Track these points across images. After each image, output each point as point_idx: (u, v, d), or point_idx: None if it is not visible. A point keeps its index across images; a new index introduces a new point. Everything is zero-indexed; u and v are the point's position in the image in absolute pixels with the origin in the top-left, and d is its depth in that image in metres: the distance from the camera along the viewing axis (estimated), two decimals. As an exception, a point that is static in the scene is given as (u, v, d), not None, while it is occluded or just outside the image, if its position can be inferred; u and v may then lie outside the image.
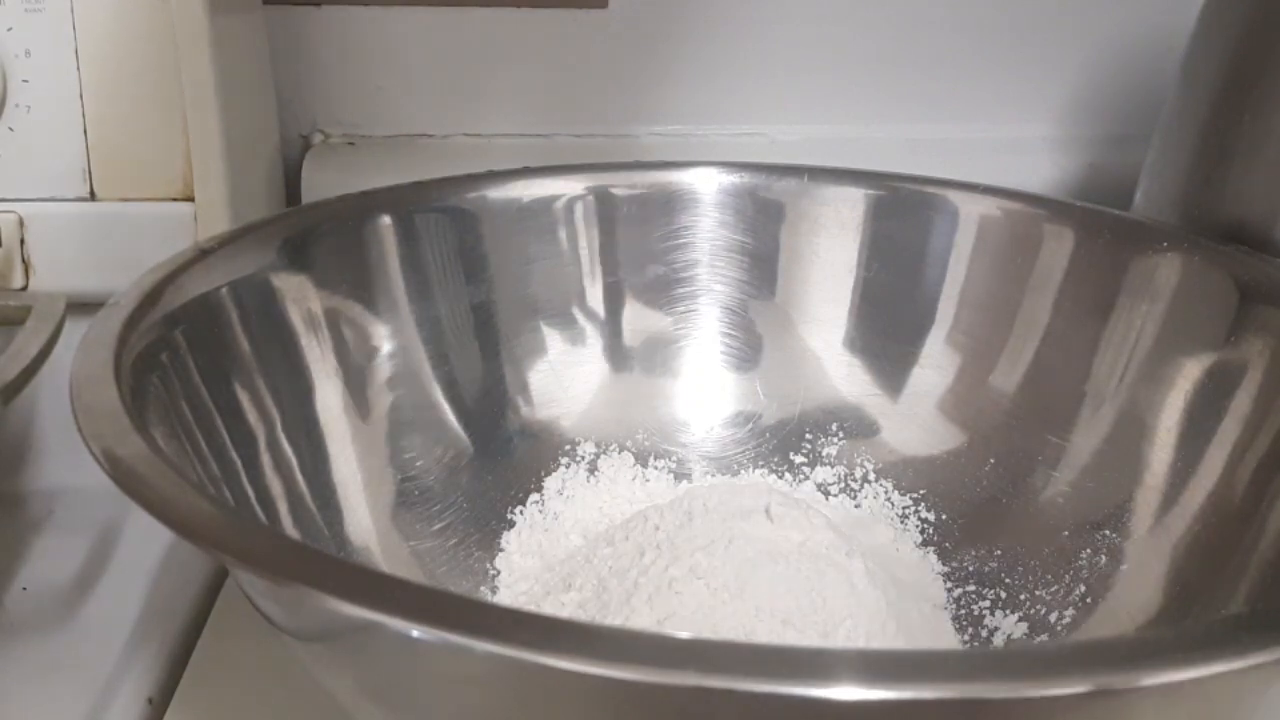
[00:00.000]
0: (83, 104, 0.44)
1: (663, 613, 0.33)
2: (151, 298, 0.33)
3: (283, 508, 0.34)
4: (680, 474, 0.46)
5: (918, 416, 0.45)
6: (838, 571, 0.35)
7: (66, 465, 0.48)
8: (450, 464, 0.42)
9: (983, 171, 0.48)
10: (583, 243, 0.47)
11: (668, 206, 0.47)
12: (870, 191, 0.47)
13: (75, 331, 0.32)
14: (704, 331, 0.48)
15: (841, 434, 0.46)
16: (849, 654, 0.19)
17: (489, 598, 0.39)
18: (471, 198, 0.45)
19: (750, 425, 0.47)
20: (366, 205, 0.43)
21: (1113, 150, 0.60)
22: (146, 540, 0.44)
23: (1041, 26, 0.59)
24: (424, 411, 0.42)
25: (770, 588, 0.34)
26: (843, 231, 0.47)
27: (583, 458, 0.45)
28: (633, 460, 0.45)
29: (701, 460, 0.46)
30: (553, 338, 0.46)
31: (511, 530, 0.42)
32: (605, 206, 0.47)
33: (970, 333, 0.45)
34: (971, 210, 0.45)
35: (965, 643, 0.38)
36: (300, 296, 0.39)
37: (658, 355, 0.47)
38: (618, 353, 0.47)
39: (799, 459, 0.46)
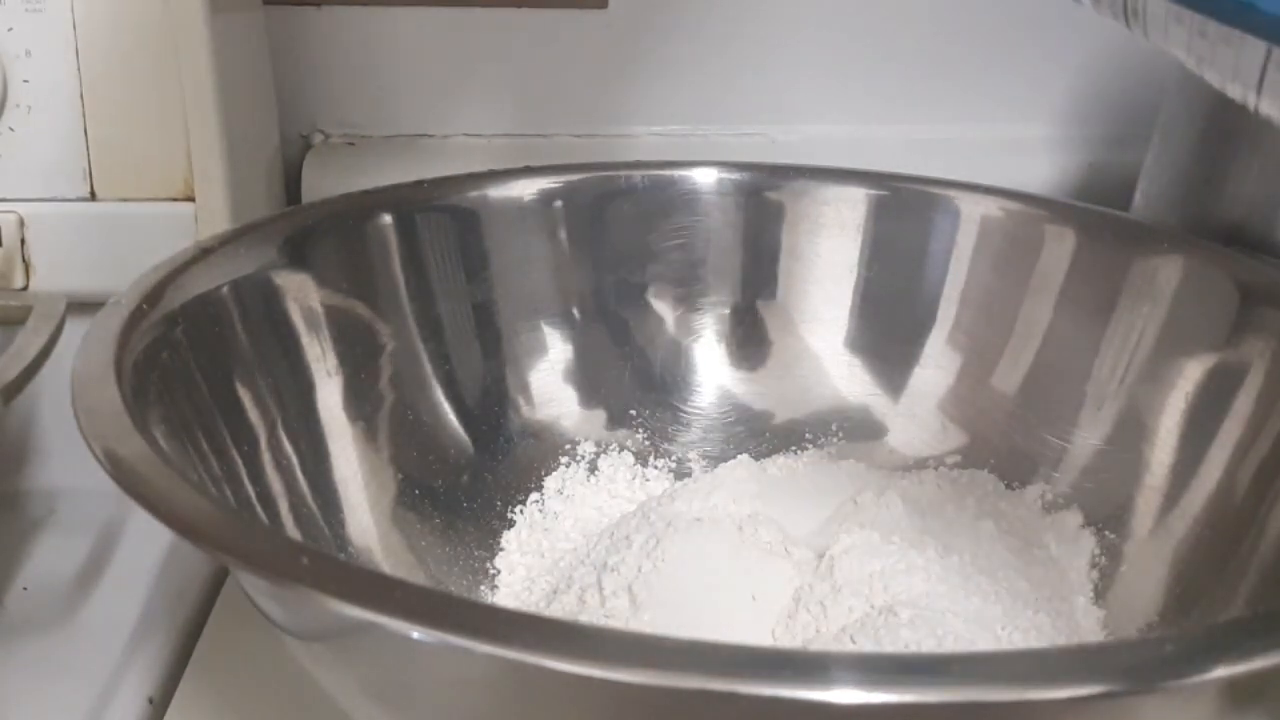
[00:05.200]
0: (83, 104, 0.44)
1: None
2: (152, 297, 0.33)
3: (283, 507, 0.34)
4: (680, 474, 0.46)
5: (918, 417, 0.45)
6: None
7: (67, 465, 0.48)
8: (451, 463, 0.42)
9: (983, 171, 0.48)
10: (583, 242, 0.47)
11: (668, 206, 0.47)
12: (871, 191, 0.47)
13: (76, 331, 0.32)
14: (704, 331, 0.48)
15: (842, 434, 0.46)
16: (849, 657, 0.19)
17: (489, 597, 0.39)
18: (472, 197, 0.45)
19: (750, 425, 0.47)
20: (367, 204, 0.43)
21: (1113, 150, 0.60)
22: (147, 540, 0.44)
23: (1041, 26, 0.59)
24: (424, 410, 0.42)
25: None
26: (843, 231, 0.47)
27: (583, 457, 0.45)
28: (633, 460, 0.45)
29: (701, 460, 0.46)
30: (553, 337, 0.46)
31: (512, 530, 0.42)
32: (606, 206, 0.47)
33: (971, 333, 0.45)
34: (973, 210, 0.45)
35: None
36: (301, 295, 0.39)
37: (658, 355, 0.47)
38: (618, 353, 0.47)
39: (799, 459, 0.46)
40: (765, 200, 0.47)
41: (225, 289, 0.36)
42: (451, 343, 0.43)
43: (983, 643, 0.32)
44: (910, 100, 0.60)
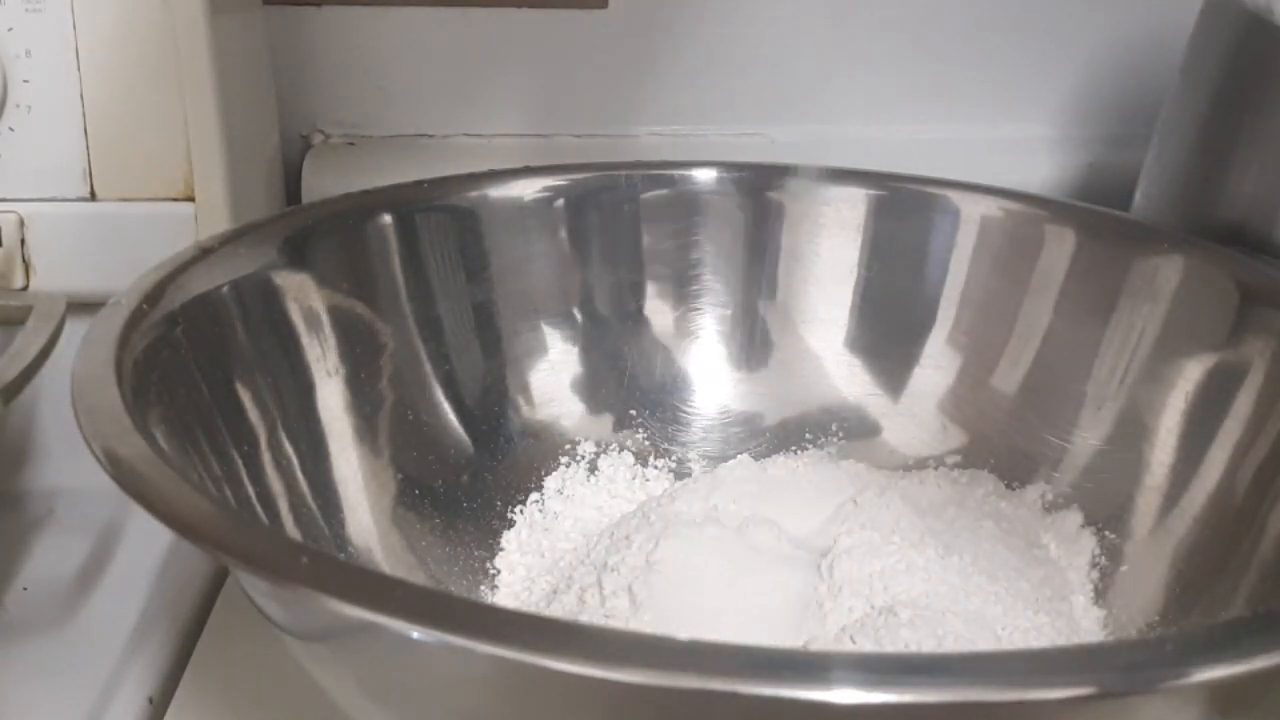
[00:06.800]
0: (83, 104, 0.44)
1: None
2: (152, 297, 0.33)
3: (283, 507, 0.34)
4: (680, 473, 0.46)
5: (918, 417, 0.45)
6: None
7: (67, 465, 0.48)
8: (451, 463, 0.42)
9: (983, 171, 0.48)
10: (583, 242, 0.47)
11: (668, 207, 0.47)
12: (871, 191, 0.47)
13: (76, 331, 0.32)
14: (704, 331, 0.48)
15: (842, 434, 0.46)
16: (849, 657, 0.19)
17: (489, 597, 0.39)
18: (472, 197, 0.45)
19: (750, 425, 0.47)
20: (367, 204, 0.43)
21: (1112, 150, 0.60)
22: (147, 540, 0.44)
23: (1041, 26, 0.59)
24: (424, 410, 0.42)
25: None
26: (843, 231, 0.47)
27: (583, 457, 0.45)
28: (632, 460, 0.45)
29: (701, 460, 0.46)
30: (553, 337, 0.46)
31: (512, 529, 0.42)
32: (606, 206, 0.47)
33: (971, 333, 0.45)
34: (972, 210, 0.45)
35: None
36: (301, 295, 0.39)
37: (658, 355, 0.47)
38: (618, 352, 0.47)
39: (799, 459, 0.46)
40: (765, 200, 0.47)
41: (225, 289, 0.36)
42: (451, 343, 0.43)
43: (983, 643, 0.32)
44: (910, 100, 0.60)
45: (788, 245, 0.47)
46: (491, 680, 0.22)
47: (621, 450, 0.46)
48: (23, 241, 0.45)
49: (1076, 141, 0.60)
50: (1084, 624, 0.37)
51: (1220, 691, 0.21)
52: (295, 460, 0.36)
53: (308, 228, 0.41)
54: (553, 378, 0.46)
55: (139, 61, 0.43)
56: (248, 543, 0.23)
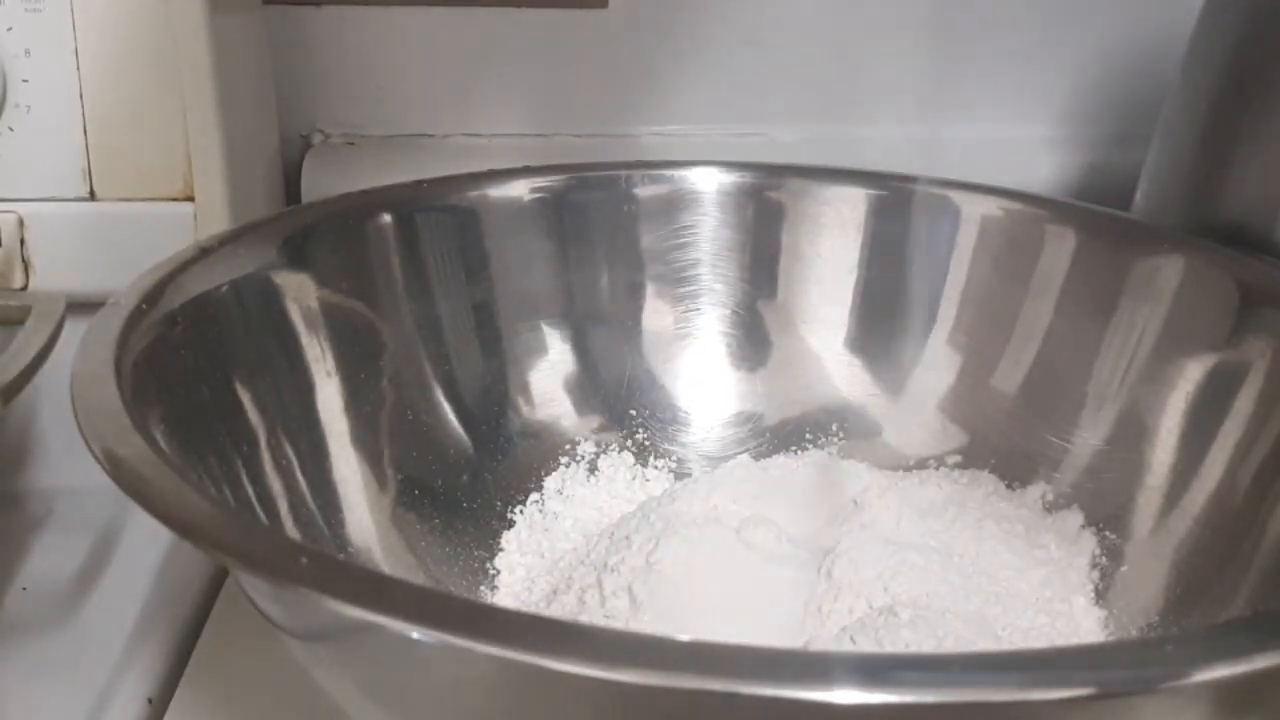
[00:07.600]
0: (83, 104, 0.44)
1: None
2: (152, 297, 0.33)
3: (283, 507, 0.34)
4: (680, 474, 0.46)
5: (918, 417, 0.45)
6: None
7: (66, 465, 0.48)
8: (450, 463, 0.42)
9: (983, 171, 0.48)
10: (583, 242, 0.47)
11: (669, 206, 0.47)
12: (871, 191, 0.47)
13: (75, 331, 0.32)
14: (705, 331, 0.48)
15: (842, 434, 0.46)
16: (849, 657, 0.19)
17: (489, 597, 0.39)
18: (472, 196, 0.45)
19: (750, 425, 0.47)
20: (367, 204, 0.43)
21: (1113, 150, 0.60)
22: (146, 540, 0.44)
23: (1041, 26, 0.59)
24: (424, 411, 0.42)
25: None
26: (843, 231, 0.47)
27: (582, 457, 0.45)
28: (632, 460, 0.45)
29: (701, 460, 0.46)
30: (553, 337, 0.46)
31: (511, 530, 0.42)
32: (606, 206, 0.47)
33: (971, 333, 0.45)
34: (973, 210, 0.45)
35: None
36: (301, 295, 0.39)
37: (659, 354, 0.47)
38: (618, 352, 0.47)
39: (799, 459, 0.46)
40: (765, 200, 0.47)
41: (225, 289, 0.36)
42: (451, 343, 0.43)
43: (983, 643, 0.32)
44: (910, 100, 0.60)
45: (788, 245, 0.47)
46: (491, 680, 0.22)
47: (621, 450, 0.46)
48: (22, 241, 0.45)
49: (1077, 141, 0.60)
50: (1084, 624, 0.37)
51: (1220, 692, 0.21)
52: (295, 460, 0.36)
53: (307, 228, 0.41)
54: (552, 378, 0.46)
55: (138, 61, 0.43)
56: (247, 543, 0.23)
